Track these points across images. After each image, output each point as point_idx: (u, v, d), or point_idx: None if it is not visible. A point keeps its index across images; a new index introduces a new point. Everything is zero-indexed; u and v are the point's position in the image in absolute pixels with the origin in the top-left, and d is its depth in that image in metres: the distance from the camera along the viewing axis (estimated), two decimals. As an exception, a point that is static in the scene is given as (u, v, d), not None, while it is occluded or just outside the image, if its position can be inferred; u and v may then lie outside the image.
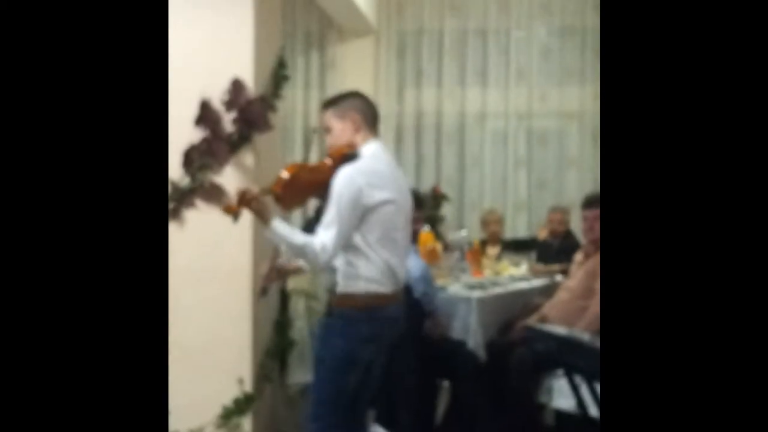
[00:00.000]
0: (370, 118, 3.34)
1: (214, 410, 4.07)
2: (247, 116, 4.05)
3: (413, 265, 4.26)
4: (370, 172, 3.16)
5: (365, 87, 7.52)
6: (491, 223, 6.69)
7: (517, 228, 7.39)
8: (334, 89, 7.59)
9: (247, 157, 4.08)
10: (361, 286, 3.15)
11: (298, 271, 3.52)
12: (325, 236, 3.07)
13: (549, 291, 5.15)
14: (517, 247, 6.66)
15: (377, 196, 3.13)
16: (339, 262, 3.16)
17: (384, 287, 3.18)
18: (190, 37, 4.12)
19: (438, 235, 6.24)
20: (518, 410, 4.45)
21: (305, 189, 3.26)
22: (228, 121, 4.05)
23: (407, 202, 3.35)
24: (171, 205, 4.05)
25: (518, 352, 4.45)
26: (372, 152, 3.26)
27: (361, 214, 3.11)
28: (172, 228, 4.02)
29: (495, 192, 7.53)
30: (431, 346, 4.31)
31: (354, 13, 6.90)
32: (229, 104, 4.04)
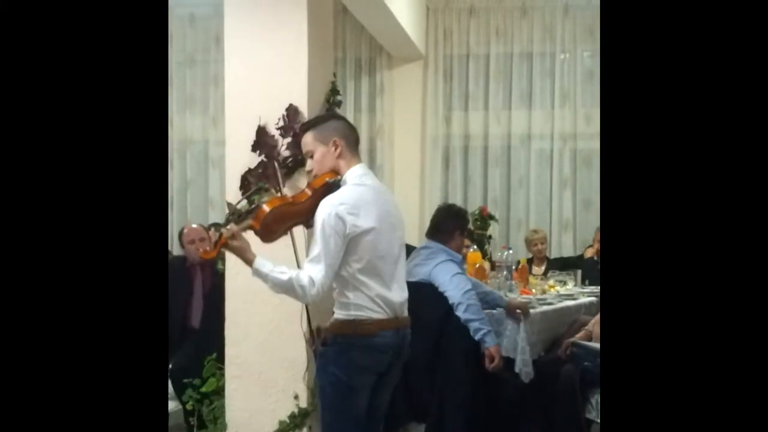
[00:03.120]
0: (352, 141, 3.25)
1: (271, 425, 4.19)
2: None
3: (454, 288, 4.32)
4: (352, 201, 3.08)
5: (414, 111, 7.73)
6: (536, 242, 6.80)
7: (563, 247, 7.47)
8: (384, 113, 7.77)
9: (302, 181, 4.19)
10: (351, 314, 3.10)
11: None
12: (313, 270, 2.99)
13: (595, 308, 5.22)
14: (563, 265, 6.73)
15: (360, 225, 3.06)
16: (335, 292, 3.16)
17: (376, 314, 3.11)
18: (248, 66, 4.29)
19: (485, 254, 6.36)
20: (566, 427, 4.50)
21: (285, 221, 3.19)
22: (283, 145, 4.20)
23: (395, 227, 3.25)
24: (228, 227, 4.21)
25: (565, 368, 4.51)
26: (355, 178, 3.18)
27: (345, 244, 3.04)
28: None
29: (541, 212, 7.63)
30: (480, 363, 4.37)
31: (403, 39, 7.06)
32: (285, 129, 4.18)
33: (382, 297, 3.13)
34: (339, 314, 3.14)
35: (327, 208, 3.04)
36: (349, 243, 3.05)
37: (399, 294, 3.21)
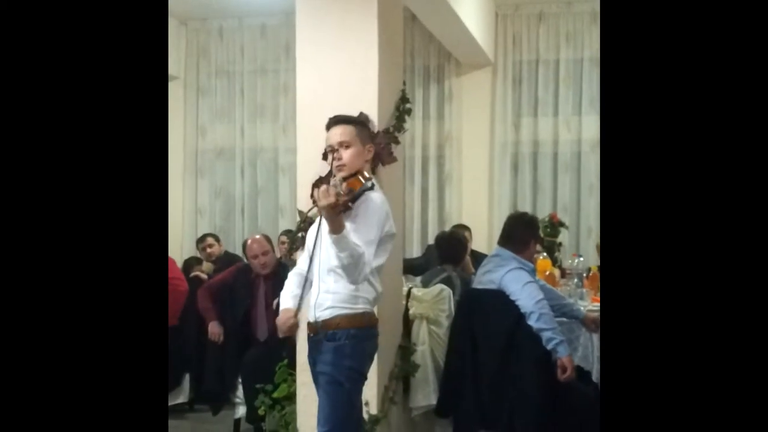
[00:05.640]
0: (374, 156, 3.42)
1: (342, 430, 4.21)
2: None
3: (526, 297, 4.26)
4: (389, 205, 3.29)
5: (482, 117, 7.72)
6: (608, 250, 6.71)
7: (634, 255, 7.37)
8: (452, 120, 7.78)
9: (373, 189, 4.24)
10: (360, 308, 3.22)
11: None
12: (368, 252, 3.13)
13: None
14: (636, 273, 6.64)
15: (393, 226, 3.28)
16: (337, 286, 3.21)
17: (373, 308, 3.29)
18: (319, 74, 4.34)
19: (556, 262, 6.31)
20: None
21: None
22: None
23: None
24: (299, 234, 4.26)
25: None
26: (380, 187, 3.34)
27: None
28: (299, 256, 4.22)
29: (612, 219, 7.54)
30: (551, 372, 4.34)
31: (472, 46, 7.06)
32: (355, 138, 4.22)
33: (380, 294, 3.31)
34: (347, 308, 3.21)
35: (381, 202, 3.22)
36: (380, 241, 3.20)
37: None
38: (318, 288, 3.28)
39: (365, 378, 3.31)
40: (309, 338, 3.36)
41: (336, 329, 3.21)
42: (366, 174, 3.19)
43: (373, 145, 3.38)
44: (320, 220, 3.21)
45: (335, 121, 3.34)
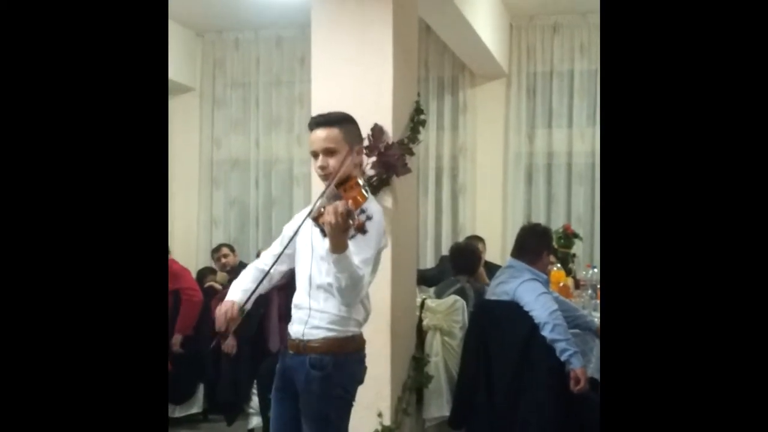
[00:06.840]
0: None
1: (356, 441, 4.22)
2: (386, 160, 4.22)
3: (540, 307, 4.24)
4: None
5: (496, 128, 7.73)
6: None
7: (649, 266, 7.35)
8: (466, 131, 7.79)
9: (386, 199, 4.25)
10: (350, 330, 2.97)
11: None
12: (366, 272, 2.82)
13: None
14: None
15: (386, 240, 3.03)
16: (327, 305, 2.95)
17: (361, 328, 3.03)
18: (333, 86, 4.36)
19: (570, 273, 6.30)
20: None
21: None
22: (368, 165, 4.23)
23: None
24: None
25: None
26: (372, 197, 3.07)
27: None
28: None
29: (626, 230, 7.52)
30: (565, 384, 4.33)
31: (486, 57, 7.08)
32: (369, 149, 4.21)
33: (369, 314, 3.07)
34: (335, 330, 2.95)
35: (380, 217, 2.93)
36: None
37: None
38: (308, 304, 2.98)
39: (351, 407, 3.03)
40: (290, 355, 3.04)
41: (323, 354, 2.93)
42: (361, 182, 2.86)
43: (361, 144, 3.08)
44: (309, 225, 2.90)
45: (316, 123, 2.99)
